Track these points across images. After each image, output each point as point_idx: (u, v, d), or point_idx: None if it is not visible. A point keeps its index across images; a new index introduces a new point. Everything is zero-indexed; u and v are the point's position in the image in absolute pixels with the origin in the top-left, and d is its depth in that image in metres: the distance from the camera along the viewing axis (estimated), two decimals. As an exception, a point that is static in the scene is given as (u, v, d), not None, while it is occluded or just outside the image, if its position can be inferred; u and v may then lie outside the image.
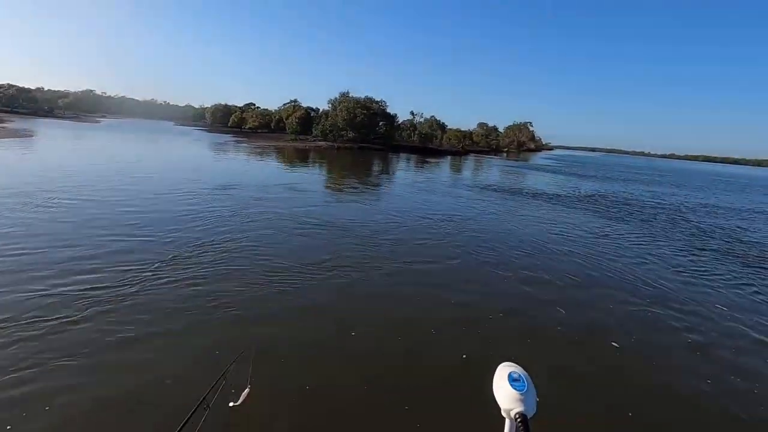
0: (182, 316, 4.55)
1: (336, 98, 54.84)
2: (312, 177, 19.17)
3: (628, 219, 13.76)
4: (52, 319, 4.23)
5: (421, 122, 77.89)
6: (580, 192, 21.11)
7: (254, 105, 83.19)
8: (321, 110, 59.72)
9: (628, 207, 16.86)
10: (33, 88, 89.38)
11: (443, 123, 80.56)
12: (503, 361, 1.03)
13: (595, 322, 5.46)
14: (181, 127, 75.63)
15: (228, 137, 50.47)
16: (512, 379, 0.95)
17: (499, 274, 6.98)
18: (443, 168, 32.43)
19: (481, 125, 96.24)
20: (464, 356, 4.30)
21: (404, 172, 26.38)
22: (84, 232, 7.21)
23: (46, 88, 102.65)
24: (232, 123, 73.83)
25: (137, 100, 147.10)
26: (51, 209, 8.63)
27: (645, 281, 7.26)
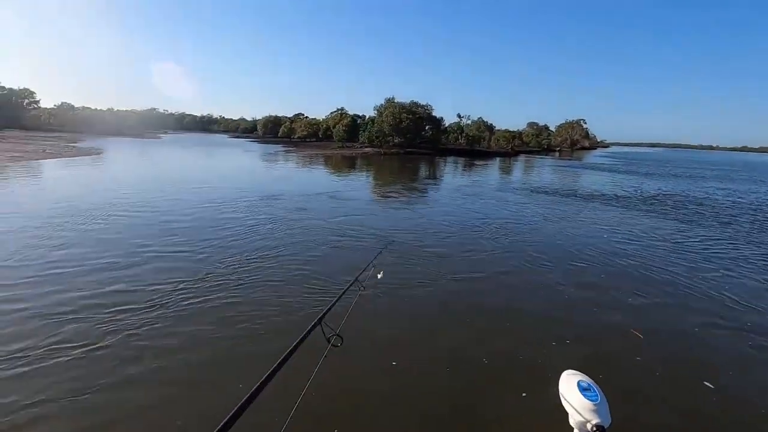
0: (207, 346, 4.28)
1: (381, 104, 55.08)
2: (357, 184, 19.08)
3: (702, 222, 12.32)
4: (76, 347, 4.10)
5: (468, 124, 76.74)
6: (642, 192, 19.59)
7: (303, 115, 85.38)
8: (367, 117, 60.21)
9: (700, 208, 15.23)
10: (105, 109, 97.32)
11: (491, 124, 78.90)
12: (565, 369, 0.96)
13: (678, 352, 4.60)
14: (235, 139, 78.81)
15: (278, 147, 51.92)
16: (582, 389, 0.88)
17: (558, 290, 6.26)
18: (491, 170, 31.44)
19: (531, 125, 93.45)
20: (524, 395, 3.64)
21: (451, 176, 25.78)
22: (122, 247, 7.35)
23: (115, 109, 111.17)
24: (282, 134, 76.14)
25: (195, 116, 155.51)
26: (99, 224, 8.97)
27: (735, 299, 6.21)
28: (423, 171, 28.76)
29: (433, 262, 7.39)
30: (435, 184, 20.41)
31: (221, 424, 1.00)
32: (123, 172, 21.35)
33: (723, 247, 9.58)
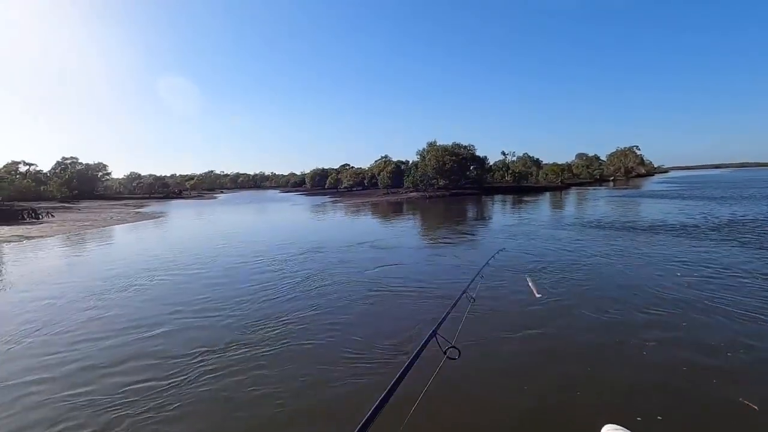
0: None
1: (424, 148, 55.53)
2: (402, 230, 18.66)
3: None
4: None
5: (513, 161, 75.50)
6: (712, 218, 17.48)
7: (348, 165, 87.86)
8: (411, 162, 60.80)
9: None
10: (168, 175, 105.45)
11: (537, 159, 77.24)
12: (606, 424, 0.93)
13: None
14: (285, 194, 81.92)
15: (325, 198, 53.17)
16: None
17: (634, 347, 5.31)
18: (541, 206, 30.03)
19: (580, 156, 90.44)
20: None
21: (499, 215, 24.82)
22: (152, 313, 7.29)
23: (177, 174, 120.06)
24: (329, 184, 78.31)
25: (248, 174, 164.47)
26: (142, 287, 9.06)
27: None
28: (470, 212, 27.99)
29: (476, 316, 6.60)
30: (483, 226, 19.57)
31: None
32: (179, 230, 22.31)
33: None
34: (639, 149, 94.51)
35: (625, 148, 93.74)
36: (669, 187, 47.94)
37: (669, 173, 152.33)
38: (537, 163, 75.94)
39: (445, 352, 1.83)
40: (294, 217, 29.07)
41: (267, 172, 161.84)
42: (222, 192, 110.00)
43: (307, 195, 69.69)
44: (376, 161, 71.91)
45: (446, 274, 9.76)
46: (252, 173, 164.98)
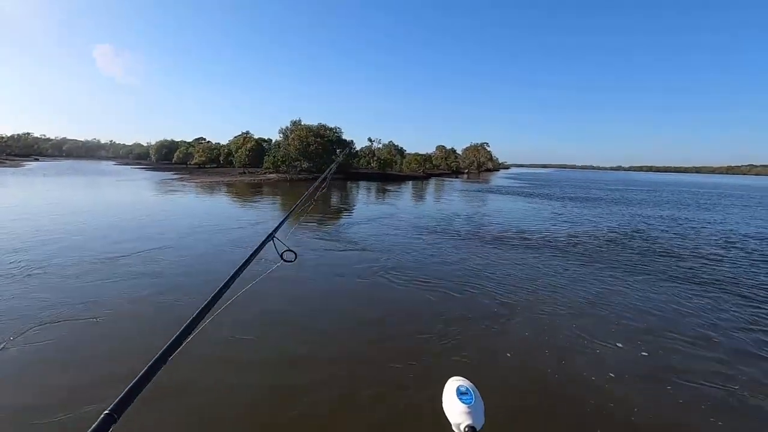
0: None
1: (287, 127, 51.73)
2: (254, 216, 15.51)
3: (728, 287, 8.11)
4: None
5: (379, 148, 76.10)
6: (590, 232, 14.03)
7: (203, 139, 78.75)
8: (274, 141, 56.36)
9: (682, 257, 10.72)
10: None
11: (402, 148, 79.14)
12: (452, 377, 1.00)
13: None
14: (122, 167, 69.72)
15: (169, 175, 45.87)
16: (460, 393, 0.94)
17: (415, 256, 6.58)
18: (405, 196, 29.47)
19: (440, 148, 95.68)
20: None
21: (364, 205, 23.11)
22: None
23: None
24: (177, 159, 68.97)
25: (79, 141, 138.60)
26: None
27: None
28: (335, 199, 25.89)
29: (319, 345, 4.52)
30: (348, 216, 17.50)
31: (182, 327, 0.97)
32: None
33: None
34: (489, 146, 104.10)
35: (477, 143, 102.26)
36: (517, 184, 51.20)
37: (510, 169, 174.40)
38: (401, 152, 77.78)
39: (281, 255, 1.89)
40: (129, 200, 23.36)
41: (104, 140, 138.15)
42: (37, 159, 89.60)
43: (150, 169, 60.02)
44: (235, 137, 65.42)
45: (289, 292, 7.44)
46: (83, 140, 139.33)
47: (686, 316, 6.48)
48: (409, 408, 3.83)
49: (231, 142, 63.56)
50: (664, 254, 10.91)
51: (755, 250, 11.91)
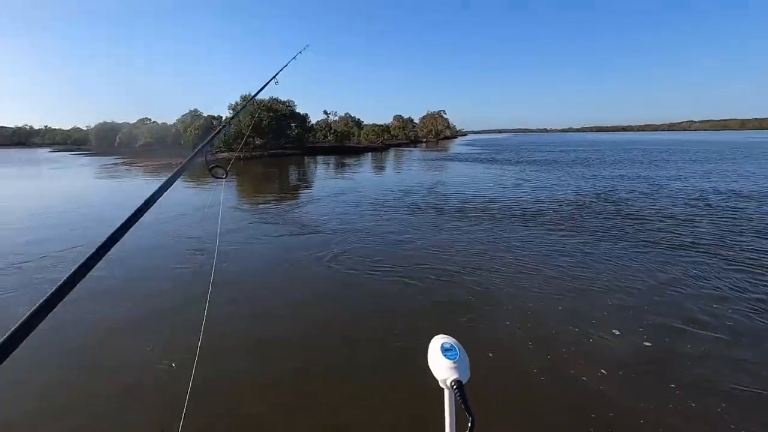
0: None
1: (237, 102, 49.38)
2: (199, 199, 14.55)
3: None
4: None
5: (335, 120, 74.45)
6: (555, 197, 13.66)
7: (148, 119, 74.08)
8: (224, 118, 53.69)
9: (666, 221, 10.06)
10: None
11: (359, 119, 77.80)
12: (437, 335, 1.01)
13: None
14: (57, 154, 64.79)
15: (110, 160, 42.93)
16: (444, 350, 0.97)
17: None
18: (363, 168, 28.90)
19: (397, 118, 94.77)
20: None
21: (321, 180, 22.38)
22: None
23: None
24: (120, 142, 64.62)
25: (7, 128, 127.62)
26: None
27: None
28: (290, 176, 24.97)
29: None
30: (305, 194, 16.80)
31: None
32: None
33: None
34: (446, 114, 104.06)
35: (434, 112, 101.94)
36: (475, 151, 50.01)
37: (468, 136, 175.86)
38: (358, 123, 76.43)
39: (210, 170, 1.79)
40: (64, 192, 21.52)
41: (38, 126, 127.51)
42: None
43: (90, 155, 56.05)
44: (183, 116, 61.91)
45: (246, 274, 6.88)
46: (13, 126, 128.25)
47: (681, 290, 5.74)
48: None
49: (179, 121, 60.17)
50: (636, 217, 10.43)
51: (721, 207, 11.61)
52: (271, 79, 2.92)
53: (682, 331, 4.61)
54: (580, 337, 4.52)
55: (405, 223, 10.28)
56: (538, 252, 7.62)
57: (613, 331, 4.63)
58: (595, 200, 13.07)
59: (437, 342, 1.02)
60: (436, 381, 0.96)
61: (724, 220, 10.02)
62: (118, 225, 0.96)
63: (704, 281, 6.05)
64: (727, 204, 12.01)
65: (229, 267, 7.03)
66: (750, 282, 5.98)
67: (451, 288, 5.93)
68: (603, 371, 3.87)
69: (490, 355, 4.22)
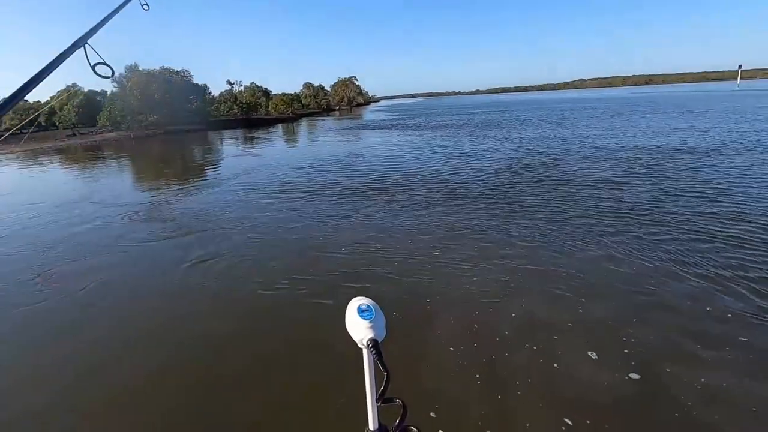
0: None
1: (122, 74, 43.69)
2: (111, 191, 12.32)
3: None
4: None
5: (241, 91, 69.66)
6: (479, 165, 12.81)
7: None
8: (109, 92, 47.44)
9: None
10: None
11: (266, 89, 73.53)
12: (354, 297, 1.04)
13: None
14: None
15: (-33, 148, 36.11)
16: (361, 311, 0.98)
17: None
18: (273, 142, 27.10)
19: (307, 85, 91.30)
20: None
21: (225, 159, 20.41)
22: None
23: None
24: (-22, 126, 54.86)
25: None
26: None
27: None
28: (186, 156, 22.57)
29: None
30: (201, 176, 15.07)
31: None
32: None
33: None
34: (357, 80, 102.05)
35: (345, 78, 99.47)
36: (393, 117, 47.48)
37: (381, 102, 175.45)
38: (266, 93, 72.21)
39: (93, 68, 1.59)
40: None
41: None
42: None
43: (-62, 143, 46.86)
44: (58, 91, 53.75)
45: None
46: None
47: (667, 282, 4.65)
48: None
49: (53, 99, 52.15)
50: (574, 182, 9.62)
51: (643, 165, 11.16)
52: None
53: (683, 357, 3.46)
54: (541, 363, 3.47)
55: (311, 211, 8.67)
56: (472, 239, 6.39)
57: (588, 353, 3.55)
58: (522, 166, 12.27)
59: (354, 304, 1.01)
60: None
61: (660, 181, 9.37)
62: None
63: (693, 267, 4.97)
64: (652, 162, 11.58)
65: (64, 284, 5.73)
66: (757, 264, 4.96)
67: (381, 299, 5.14)
68: (568, 421, 2.88)
69: (430, 401, 3.09)
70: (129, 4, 2.11)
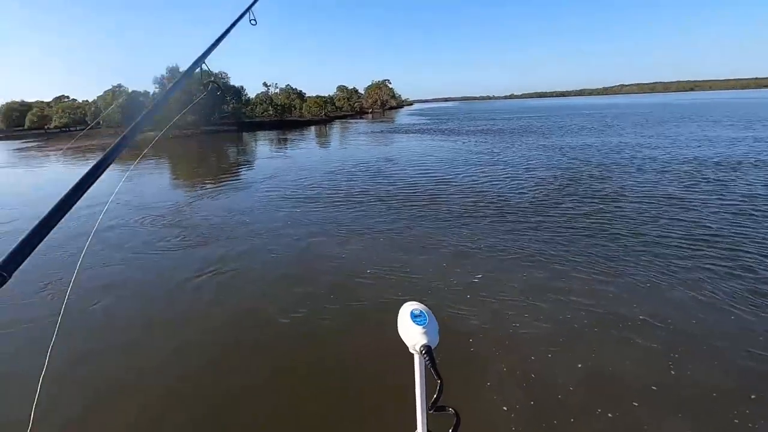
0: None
1: (164, 75, 45.02)
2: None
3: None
4: None
5: (276, 93, 70.68)
6: (519, 175, 11.88)
7: (66, 97, 66.74)
8: (151, 93, 48.90)
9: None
10: None
11: (301, 91, 74.28)
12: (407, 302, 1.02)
13: None
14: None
15: (20, 143, 37.92)
16: (414, 316, 0.96)
17: None
18: (305, 144, 26.97)
19: (341, 88, 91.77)
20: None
21: (257, 160, 20.40)
22: None
23: None
24: (31, 124, 57.77)
25: None
26: None
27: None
28: (221, 157, 22.67)
29: None
30: (232, 178, 14.91)
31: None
32: None
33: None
34: (390, 83, 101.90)
35: (379, 81, 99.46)
36: (427, 122, 46.89)
37: (414, 105, 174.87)
38: (300, 95, 72.92)
39: (204, 85, 1.76)
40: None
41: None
42: None
43: (-5, 139, 49.58)
44: (105, 91, 55.92)
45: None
46: None
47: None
48: None
49: (99, 99, 54.29)
50: (631, 200, 8.60)
51: (709, 180, 9.94)
52: (244, 13, 2.07)
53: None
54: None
55: (337, 224, 8.02)
56: (518, 265, 5.59)
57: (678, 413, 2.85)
58: (569, 177, 11.18)
59: (407, 309, 1.01)
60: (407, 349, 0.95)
61: (733, 199, 8.23)
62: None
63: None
64: (719, 176, 10.38)
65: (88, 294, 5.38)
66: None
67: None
68: None
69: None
70: (240, 22, 2.09)
